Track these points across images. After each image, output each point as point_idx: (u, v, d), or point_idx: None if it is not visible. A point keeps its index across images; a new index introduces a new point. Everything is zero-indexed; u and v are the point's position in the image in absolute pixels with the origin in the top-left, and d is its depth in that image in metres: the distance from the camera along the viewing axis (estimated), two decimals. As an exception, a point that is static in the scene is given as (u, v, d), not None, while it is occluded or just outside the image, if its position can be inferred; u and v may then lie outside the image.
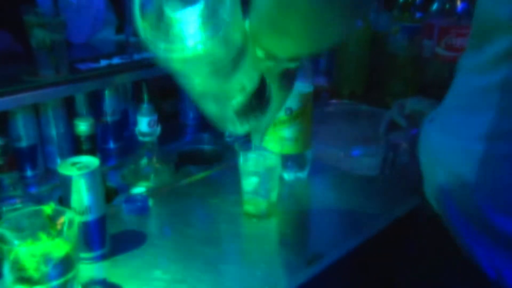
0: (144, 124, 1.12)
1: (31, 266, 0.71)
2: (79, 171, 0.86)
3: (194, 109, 1.43)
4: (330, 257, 0.92)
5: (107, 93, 1.24)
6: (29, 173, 1.15)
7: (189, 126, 1.46)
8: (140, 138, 1.14)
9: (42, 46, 1.11)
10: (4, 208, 0.97)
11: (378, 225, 1.02)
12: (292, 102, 1.08)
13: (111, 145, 1.32)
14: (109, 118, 1.29)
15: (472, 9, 1.18)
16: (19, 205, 0.98)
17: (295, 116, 1.09)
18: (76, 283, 0.76)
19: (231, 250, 0.96)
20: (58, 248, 0.72)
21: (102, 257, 0.90)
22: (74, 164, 0.88)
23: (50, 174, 1.18)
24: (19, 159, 1.13)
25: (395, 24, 1.50)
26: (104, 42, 1.46)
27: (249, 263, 0.91)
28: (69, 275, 0.74)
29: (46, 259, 0.71)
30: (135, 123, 1.14)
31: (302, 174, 1.16)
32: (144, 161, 1.15)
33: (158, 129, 1.14)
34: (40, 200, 1.04)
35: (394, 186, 1.16)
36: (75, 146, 1.04)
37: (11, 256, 0.71)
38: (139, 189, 1.12)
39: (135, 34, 1.26)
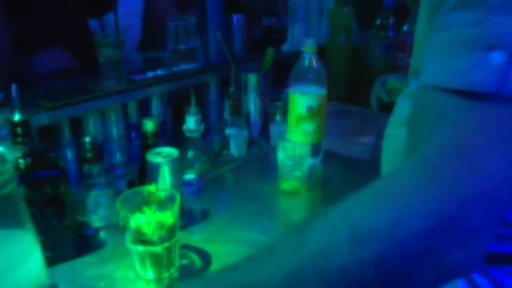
0: (191, 122, 1.20)
1: (148, 231, 0.79)
2: (164, 159, 0.94)
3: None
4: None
5: (154, 99, 1.32)
6: (96, 166, 1.21)
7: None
8: (188, 134, 1.22)
9: (108, 61, 1.18)
10: (92, 192, 1.04)
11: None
12: (312, 101, 1.19)
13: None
14: (156, 120, 1.36)
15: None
16: (104, 190, 1.06)
17: (314, 113, 1.20)
18: (178, 245, 0.85)
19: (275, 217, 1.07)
20: (166, 218, 0.81)
21: (180, 228, 0.99)
22: (158, 154, 0.96)
23: (112, 166, 1.25)
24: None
25: (373, 41, 1.64)
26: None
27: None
28: (174, 239, 0.83)
29: (160, 225, 0.80)
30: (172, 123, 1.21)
31: (318, 159, 1.26)
32: (190, 153, 1.23)
33: (202, 127, 1.22)
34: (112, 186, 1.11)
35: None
36: (142, 141, 1.11)
37: (132, 224, 0.79)
38: (189, 176, 1.20)
39: (172, 50, 1.35)
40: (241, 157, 1.34)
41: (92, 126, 1.18)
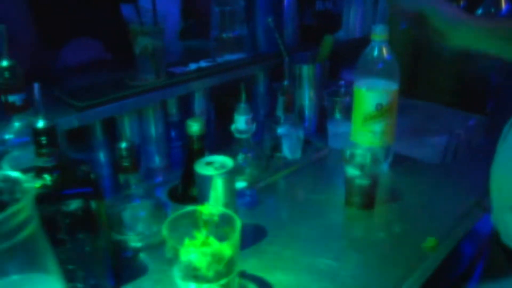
0: (242, 122, 1.04)
1: (203, 265, 0.64)
2: (217, 171, 0.78)
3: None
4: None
5: (196, 94, 1.16)
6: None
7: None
8: (237, 135, 1.06)
9: (145, 52, 1.02)
10: (129, 205, 0.89)
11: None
12: (382, 98, 1.02)
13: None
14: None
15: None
16: (143, 201, 0.91)
17: (384, 111, 1.03)
18: (237, 280, 0.69)
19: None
20: (224, 249, 0.65)
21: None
22: (208, 164, 0.80)
23: (151, 171, 1.10)
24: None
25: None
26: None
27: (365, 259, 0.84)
28: (234, 274, 0.67)
29: (218, 259, 0.64)
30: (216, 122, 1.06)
31: (386, 165, 1.09)
32: (240, 157, 1.07)
33: (253, 127, 1.06)
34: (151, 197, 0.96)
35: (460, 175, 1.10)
36: (188, 146, 0.95)
37: (183, 256, 0.64)
38: (240, 184, 1.04)
39: (217, 39, 1.18)
40: (295, 160, 1.17)
41: (127, 127, 1.03)
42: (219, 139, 1.17)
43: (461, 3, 1.41)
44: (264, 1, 1.21)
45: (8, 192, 0.44)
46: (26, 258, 0.44)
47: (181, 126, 1.23)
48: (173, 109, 1.17)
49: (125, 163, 0.86)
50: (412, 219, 0.93)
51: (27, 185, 0.43)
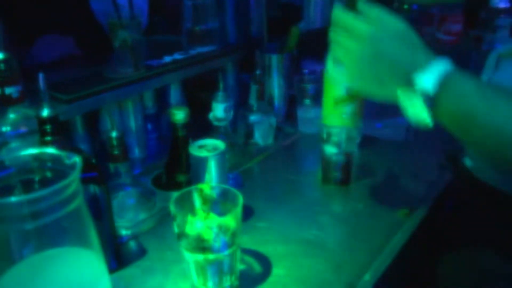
0: (220, 110, 1.09)
1: (210, 237, 0.68)
2: (211, 153, 0.83)
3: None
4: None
5: (172, 86, 1.20)
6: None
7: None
8: (215, 123, 1.10)
9: (124, 46, 1.05)
10: (120, 193, 0.93)
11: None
12: (351, 82, 1.09)
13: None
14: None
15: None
16: (132, 190, 0.94)
17: (354, 94, 1.10)
18: (239, 250, 0.74)
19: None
20: (229, 221, 0.70)
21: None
22: (201, 147, 0.85)
23: (131, 162, 1.13)
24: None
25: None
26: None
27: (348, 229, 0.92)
28: (237, 244, 0.72)
29: (224, 230, 0.69)
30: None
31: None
32: (219, 144, 1.12)
33: (231, 114, 1.11)
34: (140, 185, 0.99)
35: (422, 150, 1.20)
36: (172, 133, 0.99)
37: (190, 230, 0.68)
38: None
39: (189, 32, 1.23)
40: (268, 146, 1.23)
41: (107, 119, 1.06)
42: (196, 129, 1.22)
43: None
44: (233, -7, 1.26)
45: (50, 170, 0.47)
46: (73, 231, 0.47)
47: (157, 118, 1.27)
48: (149, 101, 1.20)
49: (116, 152, 0.89)
50: (386, 192, 1.01)
51: (71, 161, 0.46)
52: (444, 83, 0.64)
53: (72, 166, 0.46)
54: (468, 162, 0.90)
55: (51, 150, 0.49)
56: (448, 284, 0.93)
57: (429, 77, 0.65)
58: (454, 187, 0.99)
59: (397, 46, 0.69)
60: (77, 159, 0.47)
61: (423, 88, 0.65)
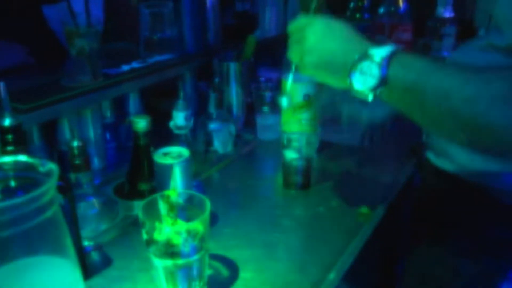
0: (181, 118, 1.09)
1: (179, 242, 0.69)
2: (175, 160, 0.84)
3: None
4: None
5: (131, 95, 1.19)
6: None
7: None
8: (176, 131, 1.11)
9: (81, 54, 1.05)
10: (82, 203, 0.92)
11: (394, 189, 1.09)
12: (309, 89, 1.13)
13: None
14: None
15: (412, 10, 1.30)
16: (95, 199, 0.93)
17: (311, 101, 1.14)
18: (207, 255, 0.75)
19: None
20: (197, 226, 0.71)
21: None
22: (166, 154, 0.86)
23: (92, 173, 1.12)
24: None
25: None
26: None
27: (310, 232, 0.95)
28: (206, 248, 0.73)
29: (193, 235, 0.70)
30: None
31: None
32: (180, 152, 1.13)
33: (191, 122, 1.12)
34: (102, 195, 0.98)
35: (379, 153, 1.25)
36: (134, 142, 0.99)
37: (159, 236, 0.69)
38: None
39: (146, 40, 1.23)
40: (227, 154, 1.25)
41: (66, 129, 1.05)
42: (155, 137, 1.22)
43: (365, 2, 1.58)
44: (190, 2, 1.27)
45: (22, 178, 0.47)
46: (49, 240, 0.47)
47: (115, 127, 1.26)
48: (107, 111, 1.19)
49: (77, 161, 0.88)
50: (345, 195, 1.05)
51: (45, 168, 0.46)
52: (394, 53, 0.69)
53: (48, 174, 0.46)
54: (430, 155, 0.96)
55: (24, 157, 0.49)
56: (414, 280, 0.97)
57: (382, 50, 0.69)
58: (418, 180, 1.05)
59: (344, 38, 0.80)
60: (52, 166, 0.47)
61: (377, 55, 0.69)
